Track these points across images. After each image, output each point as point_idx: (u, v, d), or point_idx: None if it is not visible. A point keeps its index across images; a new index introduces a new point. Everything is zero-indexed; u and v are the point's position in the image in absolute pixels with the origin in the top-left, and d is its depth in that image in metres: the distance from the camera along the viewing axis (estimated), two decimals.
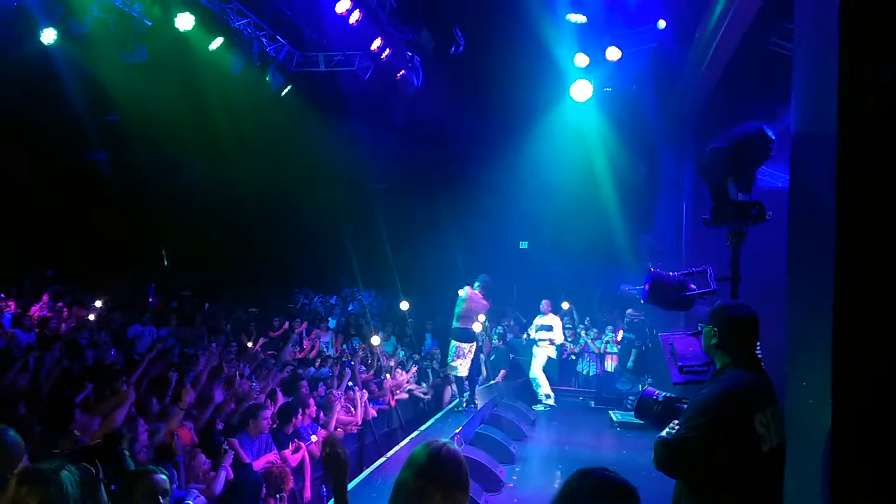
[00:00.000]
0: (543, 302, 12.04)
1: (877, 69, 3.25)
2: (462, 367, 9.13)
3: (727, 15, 7.04)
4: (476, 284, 9.16)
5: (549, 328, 11.77)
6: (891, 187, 3.16)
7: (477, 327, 9.24)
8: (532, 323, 12.33)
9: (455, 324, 9.13)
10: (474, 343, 9.25)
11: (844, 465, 3.03)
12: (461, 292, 9.12)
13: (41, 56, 10.04)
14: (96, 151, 14.15)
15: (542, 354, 11.71)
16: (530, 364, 12.17)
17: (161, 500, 2.93)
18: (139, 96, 11.71)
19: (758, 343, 3.20)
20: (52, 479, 2.52)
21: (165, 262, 16.03)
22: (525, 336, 12.42)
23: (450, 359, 9.21)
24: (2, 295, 10.01)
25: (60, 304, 10.12)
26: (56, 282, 11.69)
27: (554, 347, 11.82)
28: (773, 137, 3.88)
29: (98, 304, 10.74)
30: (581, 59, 10.25)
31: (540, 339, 11.75)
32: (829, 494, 3.05)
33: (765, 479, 2.85)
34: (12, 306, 9.65)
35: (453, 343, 9.16)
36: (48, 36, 9.68)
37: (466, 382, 9.38)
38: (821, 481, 3.14)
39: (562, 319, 13.92)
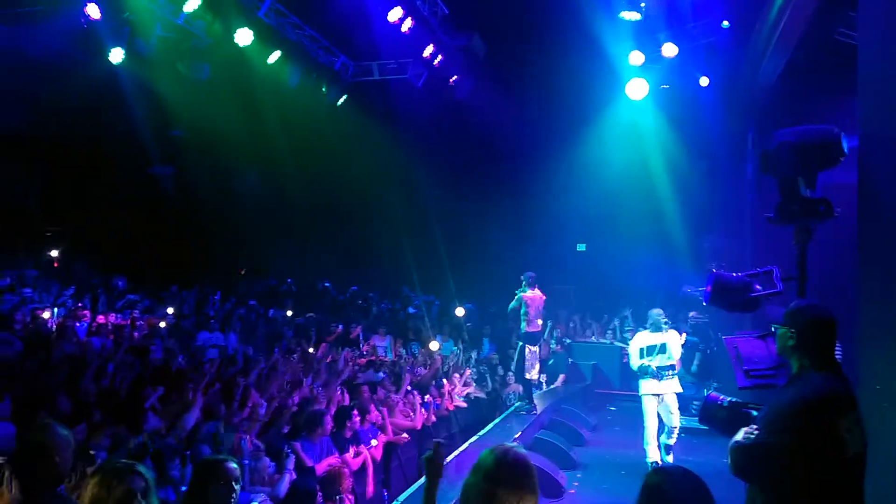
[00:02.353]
0: (653, 312, 8.21)
1: None
2: (535, 371, 9.39)
3: (788, 5, 6.81)
4: (524, 285, 9.16)
5: (664, 350, 7.92)
6: None
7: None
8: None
9: (523, 328, 9.17)
10: (538, 346, 9.52)
11: None
12: (518, 298, 9.11)
13: (110, 75, 10.50)
14: (161, 165, 14.70)
15: (660, 392, 7.83)
16: (590, 368, 11.97)
17: (235, 487, 3.02)
18: (202, 112, 12.11)
19: (837, 345, 3.08)
20: (129, 474, 2.62)
21: (242, 272, 16.62)
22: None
23: (522, 363, 9.28)
24: (79, 304, 10.50)
25: (135, 313, 10.56)
26: (127, 292, 12.20)
27: (676, 379, 8.00)
28: (847, 151, 3.73)
29: (170, 311, 11.16)
30: (636, 57, 10.11)
31: (653, 370, 7.82)
32: None
33: (847, 486, 2.76)
34: (87, 316, 10.11)
35: (527, 347, 9.21)
36: (116, 55, 10.09)
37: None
38: (894, 487, 3.00)
39: (622, 322, 13.71)
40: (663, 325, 8.07)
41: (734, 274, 4.13)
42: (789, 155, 3.77)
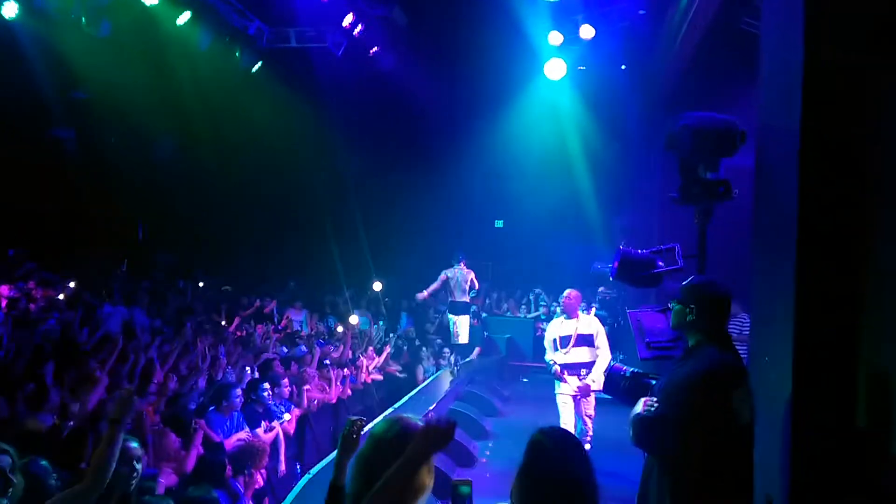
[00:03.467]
0: (566, 295, 7.16)
1: (842, 47, 3.28)
2: (462, 336, 10.63)
3: None
4: (459, 260, 10.55)
5: (589, 341, 6.89)
6: (852, 167, 3.22)
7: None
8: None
9: (450, 299, 10.59)
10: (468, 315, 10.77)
11: (803, 436, 3.12)
12: (449, 273, 10.44)
13: (3, 30, 9.73)
14: (61, 128, 13.81)
15: (572, 393, 6.85)
16: (504, 341, 12.38)
17: (136, 467, 3.05)
18: (105, 72, 11.43)
19: (727, 319, 3.26)
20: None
21: (140, 236, 15.75)
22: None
23: (451, 331, 10.71)
24: None
25: (31, 285, 9.94)
26: (22, 262, 11.44)
27: (600, 377, 6.37)
28: (744, 142, 3.92)
29: (72, 284, 10.56)
30: (555, 38, 10.23)
31: (564, 366, 6.84)
32: (789, 465, 3.14)
33: (738, 455, 2.92)
34: None
35: (451, 317, 10.66)
36: (9, 9, 9.36)
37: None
38: (780, 453, 3.22)
39: (537, 298, 14.08)
40: (580, 310, 7.11)
41: (640, 251, 4.30)
42: (689, 138, 3.94)
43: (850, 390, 3.09)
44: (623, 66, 10.49)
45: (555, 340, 7.00)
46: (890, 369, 2.95)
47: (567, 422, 6.78)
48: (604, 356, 6.87)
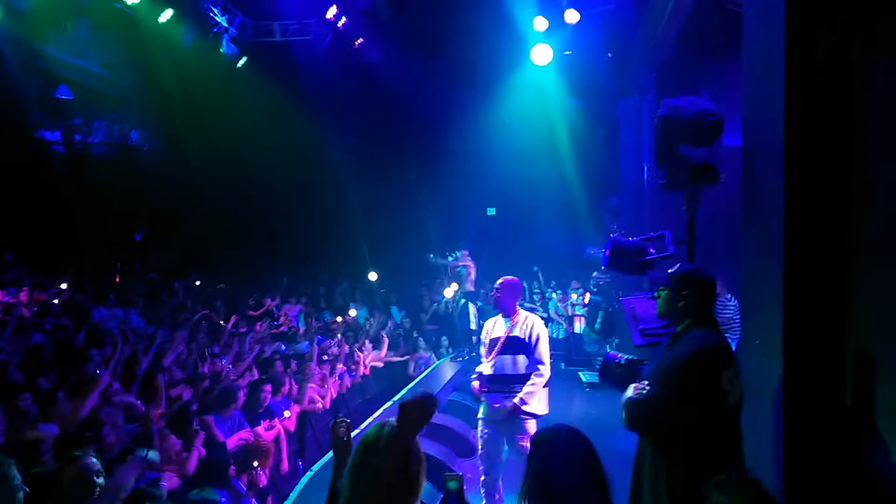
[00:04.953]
0: (497, 285, 5.24)
1: (824, 28, 3.30)
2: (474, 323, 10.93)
3: None
4: (461, 253, 11.14)
5: (523, 347, 5.04)
6: (837, 149, 3.25)
7: (448, 293, 10.25)
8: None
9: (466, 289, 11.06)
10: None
11: (794, 416, 3.18)
12: (461, 264, 11.08)
13: None
14: (47, 129, 13.73)
15: (493, 420, 5.04)
16: None
17: (95, 481, 2.99)
18: (92, 73, 11.36)
19: (714, 304, 3.30)
20: None
21: (137, 237, 15.71)
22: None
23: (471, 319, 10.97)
24: None
25: (24, 290, 9.91)
26: (14, 266, 11.41)
27: (539, 398, 5.02)
28: (707, 123, 3.90)
29: (64, 286, 10.54)
30: (540, 23, 10.20)
31: (487, 381, 5.10)
32: (781, 447, 3.20)
33: (728, 434, 2.97)
34: None
35: (470, 305, 11.09)
36: None
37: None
38: (772, 433, 3.28)
39: (530, 284, 14.12)
40: (520, 307, 5.27)
41: (630, 238, 4.33)
42: (663, 126, 3.98)
43: (838, 370, 3.15)
44: (609, 54, 10.48)
45: (486, 346, 5.21)
46: (875, 349, 3.00)
47: (483, 464, 4.99)
48: (543, 373, 4.93)
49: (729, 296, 5.89)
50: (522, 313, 5.16)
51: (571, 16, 9.88)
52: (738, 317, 4.29)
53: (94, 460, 3.04)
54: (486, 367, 5.09)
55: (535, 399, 4.88)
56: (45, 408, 5.04)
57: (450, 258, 11.21)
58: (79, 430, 4.68)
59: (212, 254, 15.16)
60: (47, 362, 6.43)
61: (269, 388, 6.41)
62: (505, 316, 5.17)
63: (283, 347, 9.24)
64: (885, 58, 3.11)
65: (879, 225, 3.03)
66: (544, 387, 4.97)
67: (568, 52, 10.92)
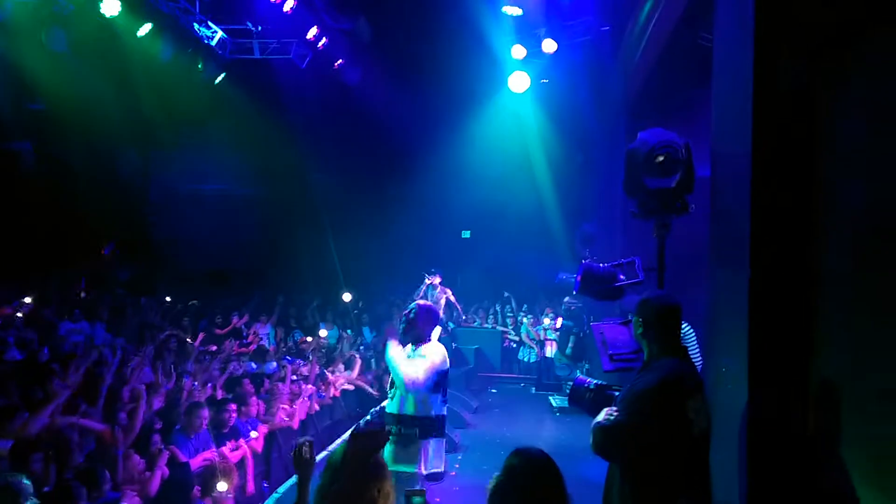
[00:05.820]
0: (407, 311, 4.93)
1: (790, 59, 3.41)
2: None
3: (657, 9, 7.24)
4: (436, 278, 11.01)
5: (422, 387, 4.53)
6: (802, 180, 3.34)
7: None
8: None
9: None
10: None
11: (758, 443, 3.22)
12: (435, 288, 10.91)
13: None
14: (19, 141, 13.50)
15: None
16: (472, 353, 12.42)
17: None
18: (66, 85, 11.23)
19: (680, 331, 3.35)
20: None
21: (105, 252, 15.41)
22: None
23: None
24: None
25: None
26: None
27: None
28: (658, 161, 3.96)
29: (27, 300, 10.30)
30: (518, 51, 10.39)
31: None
32: (746, 473, 3.23)
33: (694, 462, 3.00)
34: None
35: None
36: None
37: None
38: (737, 460, 3.32)
39: (503, 307, 14.17)
40: (428, 339, 4.71)
41: (601, 265, 4.38)
42: (628, 158, 4.08)
43: (802, 397, 3.21)
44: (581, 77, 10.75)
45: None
46: (838, 377, 3.06)
47: None
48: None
49: (685, 324, 5.93)
50: (432, 345, 4.66)
51: (549, 45, 10.08)
52: (695, 345, 4.34)
53: (26, 483, 3.03)
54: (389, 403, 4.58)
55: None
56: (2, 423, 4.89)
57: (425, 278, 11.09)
58: (29, 447, 4.51)
59: (181, 269, 14.96)
60: (8, 376, 6.25)
61: (233, 407, 6.31)
62: (413, 349, 4.64)
63: (254, 366, 9.11)
64: (847, 89, 3.22)
65: (843, 254, 3.11)
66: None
67: (545, 81, 11.11)
